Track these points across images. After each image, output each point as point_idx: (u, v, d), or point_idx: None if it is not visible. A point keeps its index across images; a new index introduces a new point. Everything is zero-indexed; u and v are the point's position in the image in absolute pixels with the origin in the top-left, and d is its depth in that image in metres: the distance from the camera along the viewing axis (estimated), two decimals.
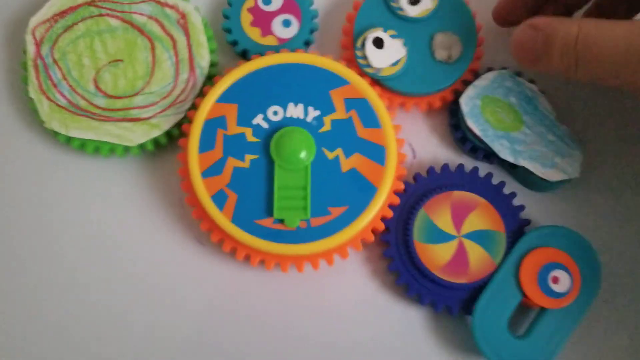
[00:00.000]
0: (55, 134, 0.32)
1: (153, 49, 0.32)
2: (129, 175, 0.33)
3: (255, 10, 0.33)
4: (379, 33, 0.32)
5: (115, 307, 0.31)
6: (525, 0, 0.32)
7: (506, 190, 0.32)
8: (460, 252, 0.30)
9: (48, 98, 0.32)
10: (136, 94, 0.32)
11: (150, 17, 0.33)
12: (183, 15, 0.33)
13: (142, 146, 0.32)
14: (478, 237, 0.30)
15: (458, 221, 0.30)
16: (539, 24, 0.28)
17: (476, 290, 0.30)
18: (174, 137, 0.32)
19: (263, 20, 0.33)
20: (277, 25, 0.33)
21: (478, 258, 0.30)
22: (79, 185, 0.33)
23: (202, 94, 0.32)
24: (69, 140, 0.32)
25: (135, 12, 0.33)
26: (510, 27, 0.34)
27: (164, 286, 0.32)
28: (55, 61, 0.32)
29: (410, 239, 0.30)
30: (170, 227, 0.32)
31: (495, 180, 0.32)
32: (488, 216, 0.30)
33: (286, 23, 0.33)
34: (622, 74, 0.25)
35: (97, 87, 0.32)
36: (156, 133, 0.32)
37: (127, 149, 0.32)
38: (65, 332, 0.31)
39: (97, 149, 0.32)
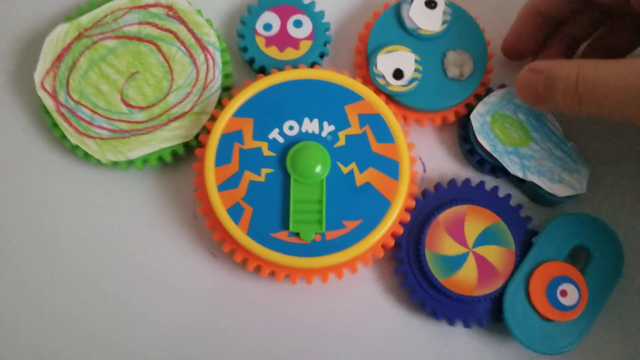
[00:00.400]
0: (115, 164, 0.32)
1: (159, 48, 0.33)
2: (144, 185, 0.33)
3: (270, 39, 0.34)
4: (398, 64, 0.32)
5: (125, 314, 0.32)
6: (533, 33, 0.33)
7: (512, 203, 0.33)
8: (481, 262, 0.31)
9: (90, 137, 0.32)
10: (167, 94, 0.32)
11: (140, 23, 0.33)
12: (169, 7, 0.33)
13: (198, 137, 0.32)
14: (484, 238, 0.31)
15: (460, 237, 0.31)
16: (539, 67, 0.29)
17: (468, 304, 0.31)
18: (192, 148, 0.33)
19: (278, 39, 0.34)
20: (291, 28, 0.34)
21: (498, 256, 0.31)
22: (95, 194, 0.33)
23: (213, 115, 0.32)
24: (130, 163, 0.32)
25: (124, 26, 0.33)
26: (520, 60, 0.35)
27: (175, 295, 0.32)
28: (77, 102, 0.32)
29: (435, 280, 0.30)
30: (184, 237, 0.33)
31: (501, 193, 0.33)
32: (479, 215, 0.31)
33: (297, 23, 0.34)
34: (623, 111, 0.26)
35: (129, 105, 0.32)
36: (206, 118, 0.32)
37: (186, 145, 0.32)
38: (74, 341, 0.31)
39: (160, 158, 0.32)
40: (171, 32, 0.33)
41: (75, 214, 0.33)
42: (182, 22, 0.33)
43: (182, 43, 0.32)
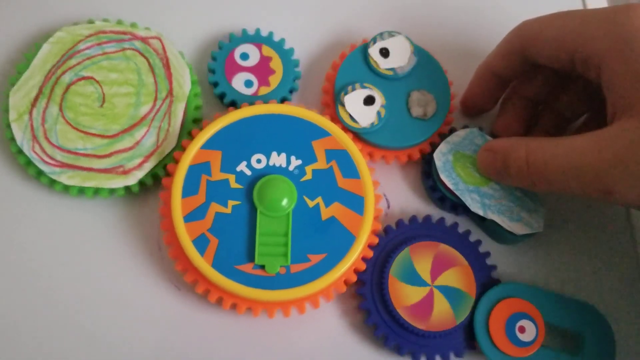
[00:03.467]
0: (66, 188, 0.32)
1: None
2: (109, 214, 0.33)
3: (229, 61, 0.34)
4: (369, 91, 0.33)
5: (85, 347, 0.31)
6: (488, 93, 0.34)
7: (473, 241, 0.33)
8: (428, 299, 0.31)
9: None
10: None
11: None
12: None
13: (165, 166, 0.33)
14: (449, 293, 0.31)
15: (436, 272, 0.31)
16: (494, 148, 0.31)
17: (433, 340, 0.31)
18: (158, 178, 0.33)
19: (230, 70, 0.34)
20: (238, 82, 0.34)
21: (442, 311, 0.31)
22: (55, 223, 0.33)
23: (182, 145, 0.32)
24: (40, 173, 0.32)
25: None
26: (477, 116, 0.36)
27: (136, 328, 0.31)
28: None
29: (386, 273, 0.31)
30: (147, 269, 0.32)
31: (463, 231, 0.33)
32: (464, 277, 0.32)
33: (248, 83, 0.34)
34: (569, 188, 0.28)
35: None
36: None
37: (154, 176, 0.33)
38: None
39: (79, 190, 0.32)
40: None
41: (33, 243, 0.32)
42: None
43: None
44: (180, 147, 0.32)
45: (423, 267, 0.31)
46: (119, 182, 0.32)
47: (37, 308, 0.31)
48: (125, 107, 0.33)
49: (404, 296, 0.31)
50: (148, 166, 0.32)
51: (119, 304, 0.32)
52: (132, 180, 0.32)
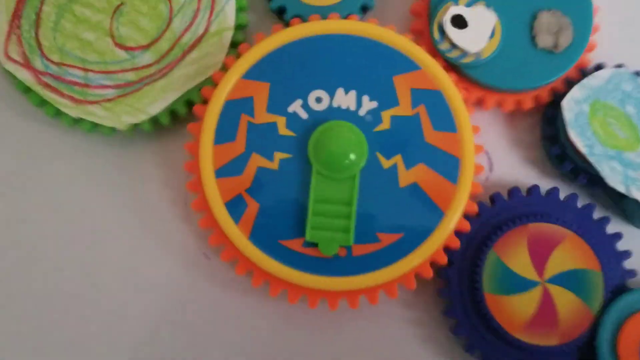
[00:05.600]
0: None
1: None
2: (131, 158, 0.28)
3: None
4: (457, 9, 0.26)
5: (95, 313, 0.28)
6: None
7: (610, 229, 0.26)
8: (546, 302, 0.25)
9: (93, 102, 0.27)
10: (170, 20, 0.27)
11: None
12: None
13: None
14: (567, 279, 0.25)
15: (539, 262, 0.25)
16: None
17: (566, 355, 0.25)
18: (178, 118, 0.27)
19: None
20: None
21: (569, 308, 0.25)
22: (73, 167, 0.28)
23: (223, 67, 0.26)
24: (155, 121, 0.27)
25: None
26: None
27: (154, 299, 0.28)
28: (60, 64, 0.27)
29: (479, 290, 0.25)
30: (171, 231, 0.28)
31: (597, 217, 0.26)
32: (577, 251, 0.25)
33: None
34: None
35: (128, 48, 0.27)
36: (229, 35, 0.27)
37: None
38: (44, 334, 0.27)
39: (187, 103, 0.27)
40: None
41: (37, 189, 0.28)
42: None
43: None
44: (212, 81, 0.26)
45: (557, 263, 0.25)
46: None
47: (40, 270, 0.28)
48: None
49: (512, 254, 0.25)
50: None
51: (135, 273, 0.28)
52: None
